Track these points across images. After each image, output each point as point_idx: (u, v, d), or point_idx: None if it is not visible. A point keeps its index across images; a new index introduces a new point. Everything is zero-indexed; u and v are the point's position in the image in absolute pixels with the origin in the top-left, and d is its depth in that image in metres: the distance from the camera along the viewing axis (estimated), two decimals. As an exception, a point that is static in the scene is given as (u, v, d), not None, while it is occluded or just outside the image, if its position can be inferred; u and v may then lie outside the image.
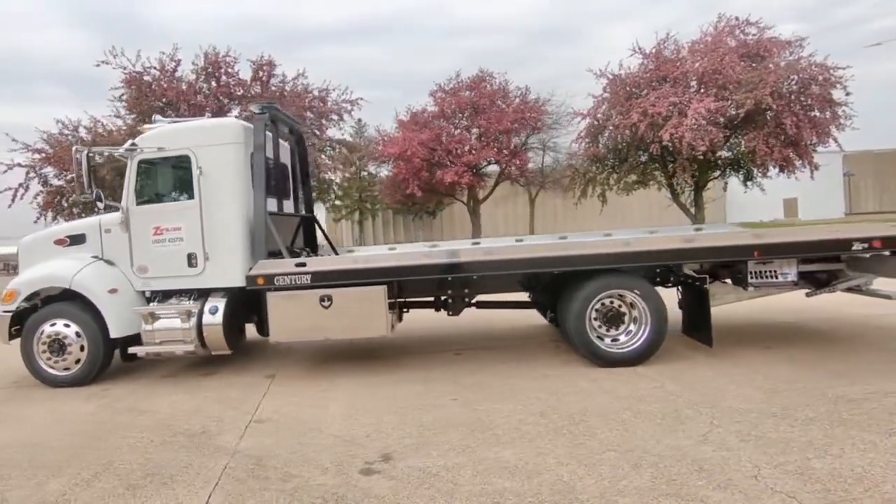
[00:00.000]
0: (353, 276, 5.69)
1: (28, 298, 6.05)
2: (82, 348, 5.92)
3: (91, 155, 5.70)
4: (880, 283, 6.17)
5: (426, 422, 4.47)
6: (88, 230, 6.24)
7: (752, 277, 5.78)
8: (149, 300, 6.12)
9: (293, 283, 5.68)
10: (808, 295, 6.34)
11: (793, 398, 4.55)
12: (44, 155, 16.13)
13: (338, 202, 35.23)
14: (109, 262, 6.14)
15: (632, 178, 24.24)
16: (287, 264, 5.73)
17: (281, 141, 7.08)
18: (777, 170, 22.00)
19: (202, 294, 6.04)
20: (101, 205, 5.71)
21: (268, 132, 6.40)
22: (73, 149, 5.63)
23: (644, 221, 37.37)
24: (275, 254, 6.32)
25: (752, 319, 7.77)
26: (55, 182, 16.52)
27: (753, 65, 20.71)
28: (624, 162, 23.36)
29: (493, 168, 30.43)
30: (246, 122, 6.22)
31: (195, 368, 6.58)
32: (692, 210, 24.70)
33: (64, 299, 6.03)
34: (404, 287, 6.35)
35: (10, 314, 5.97)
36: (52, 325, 5.93)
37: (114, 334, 5.86)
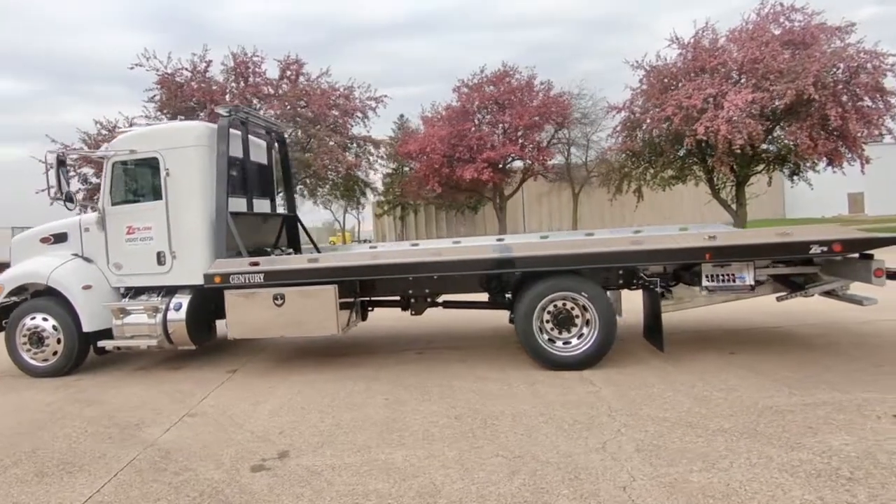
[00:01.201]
0: (303, 276, 5.90)
1: (16, 293, 6.58)
2: (59, 341, 6.42)
3: (63, 157, 6.13)
4: (860, 288, 5.86)
5: (344, 421, 4.62)
6: (70, 229, 6.73)
7: (708, 281, 5.61)
8: (123, 296, 6.54)
9: (247, 281, 5.95)
10: (779, 299, 6.09)
11: (719, 407, 4.43)
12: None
13: (380, 198, 35.93)
14: (88, 260, 6.61)
15: (668, 173, 23.54)
16: (242, 263, 5.99)
17: (258, 141, 7.37)
18: (825, 164, 20.89)
19: (171, 291, 6.40)
20: (71, 206, 6.14)
21: (237, 133, 6.70)
22: (46, 152, 6.10)
23: (685, 218, 36.20)
24: (252, 253, 6.63)
25: (738, 322, 7.52)
26: (94, 180, 17.62)
27: (797, 53, 19.69)
28: (660, 156, 22.69)
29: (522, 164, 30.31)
30: (212, 125, 6.51)
31: (166, 363, 6.99)
32: (733, 206, 23.75)
33: (47, 294, 6.53)
34: (366, 286, 6.53)
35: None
36: (32, 318, 6.45)
37: (86, 328, 6.31)
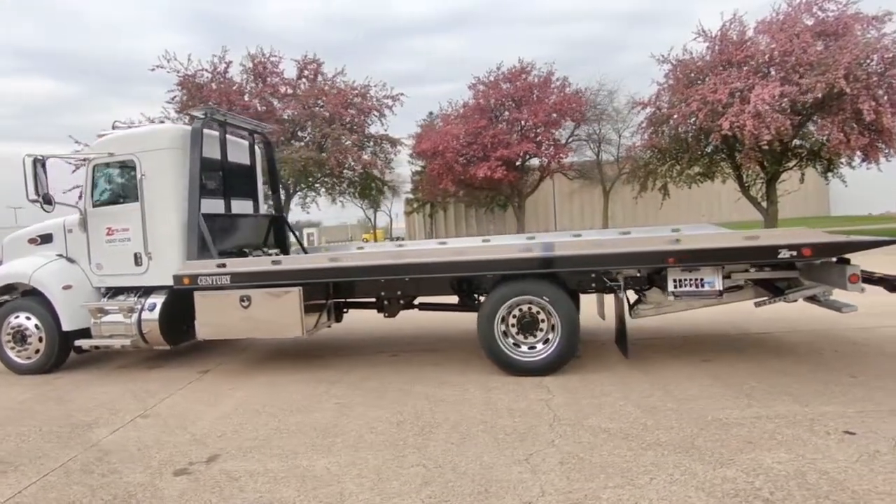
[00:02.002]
0: (267, 278, 5.96)
1: (4, 292, 6.86)
2: (41, 339, 6.67)
3: (42, 160, 6.35)
4: (844, 294, 5.54)
5: (287, 425, 4.64)
6: (55, 230, 6.98)
7: (675, 286, 5.40)
8: (104, 296, 6.74)
9: (214, 283, 6.04)
10: (757, 305, 5.82)
11: (666, 419, 4.26)
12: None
13: (409, 195, 36.04)
14: (71, 260, 6.85)
15: (695, 170, 22.85)
16: (209, 265, 6.09)
17: (240, 142, 7.48)
18: (860, 159, 19.95)
19: (147, 292, 6.56)
20: (49, 208, 6.35)
21: (214, 135, 6.81)
22: (24, 156, 6.32)
23: (722, 216, 35.12)
24: (230, 253, 6.75)
25: (727, 327, 7.23)
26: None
27: (829, 45, 18.84)
28: (686, 152, 22.05)
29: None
30: (187, 127, 6.62)
31: (146, 362, 7.19)
32: (763, 204, 22.94)
33: (31, 294, 6.78)
34: (339, 288, 6.56)
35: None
36: (16, 317, 6.72)
37: (65, 327, 6.53)
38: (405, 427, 4.44)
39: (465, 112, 21.08)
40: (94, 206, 6.75)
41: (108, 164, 6.70)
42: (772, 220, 22.72)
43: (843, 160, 21.01)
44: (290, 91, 18.62)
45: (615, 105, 27.78)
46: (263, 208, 8.23)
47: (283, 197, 19.78)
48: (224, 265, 6.04)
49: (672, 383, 5.13)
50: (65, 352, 6.75)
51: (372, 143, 20.14)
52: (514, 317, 5.68)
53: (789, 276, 5.72)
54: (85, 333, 6.62)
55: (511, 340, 5.69)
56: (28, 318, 6.68)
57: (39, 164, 6.30)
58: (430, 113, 25.74)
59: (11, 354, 6.77)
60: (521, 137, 19.83)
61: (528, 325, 5.65)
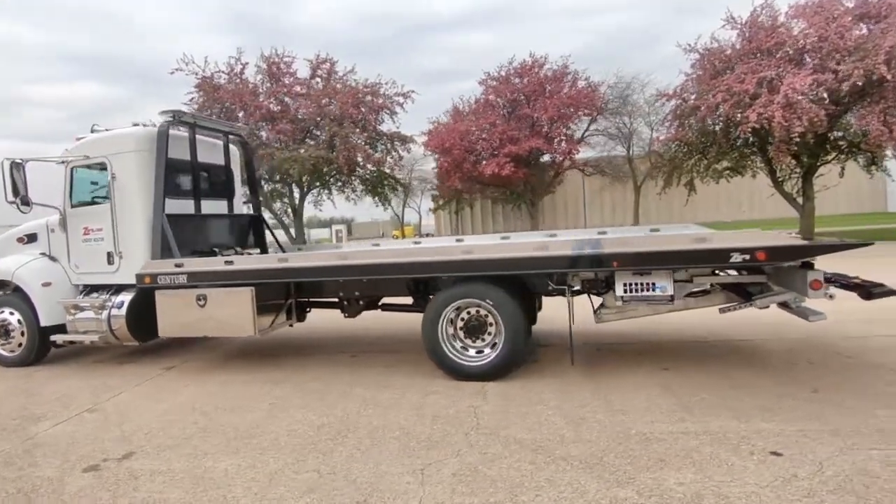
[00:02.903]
0: (220, 278, 6.04)
1: (-4, 288, 7.22)
2: (23, 334, 6.98)
3: (20, 163, 6.62)
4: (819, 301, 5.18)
5: (215, 424, 4.70)
6: (39, 230, 7.28)
7: (623, 290, 5.17)
8: (81, 293, 6.99)
9: (172, 282, 6.17)
10: (721, 311, 5.52)
11: (588, 432, 4.09)
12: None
13: (434, 192, 36.04)
14: (53, 259, 7.13)
15: (723, 165, 21.91)
16: (168, 265, 6.23)
17: (215, 143, 7.61)
18: (907, 151, 18.75)
19: (119, 290, 6.76)
20: (26, 209, 6.62)
21: (184, 136, 6.95)
22: (2, 159, 6.59)
23: (763, 211, 33.66)
24: (202, 253, 6.89)
25: (704, 332, 6.90)
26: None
27: (871, 28, 17.72)
28: (712, 146, 21.19)
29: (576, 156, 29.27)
30: (153, 130, 6.76)
31: (119, 357, 7.43)
32: (799, 200, 21.85)
33: (15, 290, 7.11)
34: (300, 288, 6.62)
35: (-24, 303, 7.18)
36: (1, 312, 7.04)
37: (43, 323, 6.82)
38: (323, 430, 4.42)
39: (475, 108, 20.82)
40: (73, 206, 7.00)
41: (83, 167, 6.92)
42: (808, 217, 21.61)
43: (887, 152, 19.79)
44: (302, 91, 18.75)
45: (647, 97, 27.02)
46: (242, 209, 8.34)
47: (296, 195, 20.19)
48: (181, 265, 6.16)
49: (616, 392, 4.92)
50: (45, 346, 7.04)
51: (385, 141, 20.14)
52: (463, 320, 5.57)
53: (759, 281, 5.42)
54: (62, 329, 6.89)
55: (460, 344, 5.59)
56: (12, 314, 7.01)
57: (17, 167, 6.56)
58: (456, 108, 25.69)
59: (0, 348, 7.12)
60: (532, 133, 19.44)
61: (474, 329, 5.53)
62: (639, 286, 5.13)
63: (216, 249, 7.21)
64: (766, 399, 4.57)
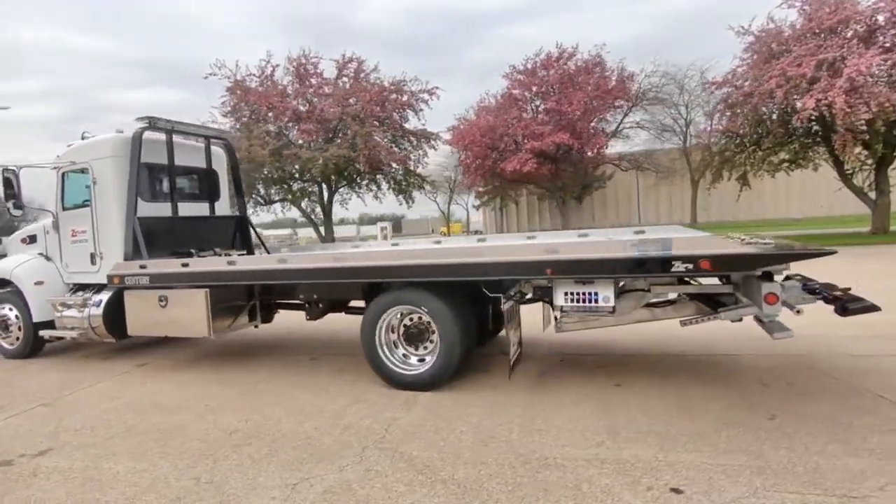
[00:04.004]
0: (177, 279, 6.20)
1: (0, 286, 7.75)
2: (19, 328, 7.45)
3: (14, 170, 7.06)
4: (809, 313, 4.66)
5: (144, 424, 4.81)
6: (38, 232, 7.76)
7: (565, 300, 4.85)
8: (70, 292, 7.39)
9: (137, 283, 6.40)
10: (682, 324, 5.07)
11: (490, 453, 3.87)
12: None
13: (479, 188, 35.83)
14: (48, 258, 7.58)
15: (781, 157, 20.37)
16: (134, 266, 6.45)
17: (197, 147, 7.82)
18: None
19: (101, 289, 7.09)
20: (18, 213, 7.06)
21: (161, 141, 7.18)
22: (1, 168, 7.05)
23: (845, 207, 31.13)
24: (180, 254, 7.12)
25: (689, 346, 6.40)
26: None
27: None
28: (767, 136, 19.77)
29: (618, 150, 28.15)
30: (128, 136, 7.01)
31: (105, 353, 7.79)
32: (871, 194, 20.06)
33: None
34: (265, 290, 6.70)
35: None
36: (2, 308, 7.55)
37: (35, 319, 7.27)
38: (234, 436, 4.42)
39: (500, 103, 20.32)
40: (64, 209, 7.40)
41: (71, 172, 7.30)
42: (882, 213, 19.80)
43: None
44: (328, 91, 18.92)
45: (694, 86, 25.52)
46: (229, 210, 8.51)
47: (325, 194, 20.54)
48: (144, 266, 6.36)
49: (548, 410, 4.64)
50: (38, 340, 7.50)
51: (410, 138, 20.03)
52: (405, 326, 5.44)
53: (725, 292, 4.96)
54: (52, 325, 7.30)
55: (402, 351, 5.47)
56: (10, 310, 7.52)
57: (11, 173, 7.01)
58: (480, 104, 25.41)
59: (1, 341, 7.65)
60: (558, 128, 18.75)
61: (414, 336, 5.38)
62: (580, 296, 4.79)
63: (193, 251, 7.40)
64: (708, 425, 4.15)
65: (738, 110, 20.42)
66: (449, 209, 45.06)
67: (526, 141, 17.95)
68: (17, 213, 7.06)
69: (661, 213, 41.73)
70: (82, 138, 7.57)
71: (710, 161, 21.29)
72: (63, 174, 7.37)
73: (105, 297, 6.91)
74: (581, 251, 4.65)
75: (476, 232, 49.66)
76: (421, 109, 19.16)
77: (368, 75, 18.89)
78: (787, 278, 5.84)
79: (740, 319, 5.00)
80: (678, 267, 4.31)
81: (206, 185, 7.95)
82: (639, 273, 4.57)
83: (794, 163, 20.25)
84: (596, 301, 4.75)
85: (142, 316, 6.48)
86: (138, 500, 3.45)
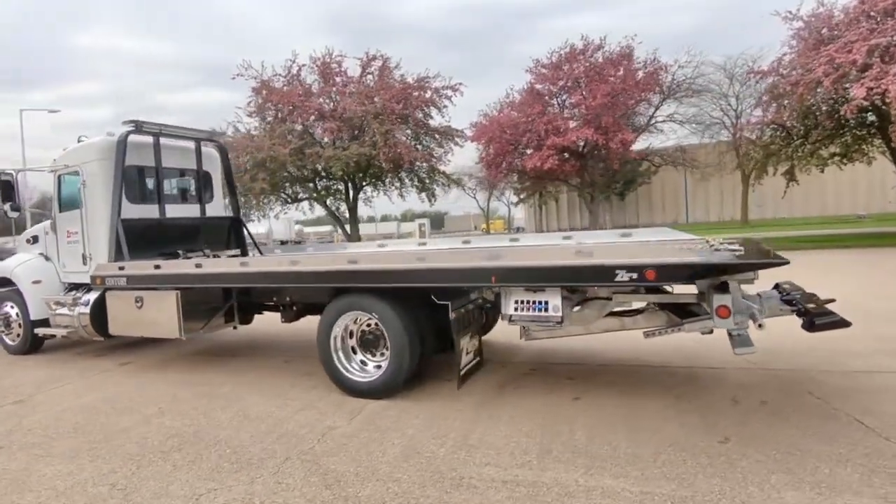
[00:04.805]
0: (150, 281, 6.35)
1: (2, 284, 8.17)
2: (20, 325, 7.84)
3: (12, 174, 7.43)
4: (780, 327, 4.34)
5: (92, 424, 4.95)
6: (40, 232, 8.14)
7: (514, 308, 4.67)
8: (65, 291, 7.71)
9: (116, 284, 6.60)
10: (646, 336, 4.80)
11: (413, 469, 3.76)
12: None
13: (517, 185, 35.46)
14: (47, 258, 7.93)
15: (831, 150, 19.14)
16: (113, 267, 6.66)
17: (188, 149, 7.99)
18: None
19: (90, 288, 7.36)
20: (14, 214, 7.42)
21: (148, 144, 7.38)
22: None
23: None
24: (168, 255, 7.33)
25: (680, 357, 6.05)
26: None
27: None
28: (815, 129, 18.61)
29: (661, 144, 27.19)
30: (114, 139, 7.22)
31: (100, 350, 8.09)
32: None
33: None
34: (243, 292, 6.79)
35: (-10, 296, 8.20)
36: (4, 306, 7.97)
37: (32, 317, 7.63)
38: (169, 441, 4.47)
39: (523, 98, 19.88)
40: (60, 211, 7.72)
41: (65, 175, 7.61)
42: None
43: None
44: (354, 89, 19.01)
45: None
46: (223, 211, 8.67)
47: (350, 193, 20.72)
48: (123, 268, 6.55)
49: (488, 424, 4.48)
50: (38, 337, 7.86)
51: (433, 135, 19.90)
52: (362, 332, 5.38)
53: (692, 302, 4.67)
54: (48, 323, 7.64)
55: (360, 357, 5.42)
56: (11, 307, 7.92)
57: (9, 177, 7.38)
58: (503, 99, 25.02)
59: (4, 337, 8.09)
60: (584, 122, 18.16)
61: (369, 343, 5.32)
62: (529, 304, 4.60)
63: (179, 252, 7.58)
64: (650, 447, 3.90)
65: (786, 101, 19.31)
66: (488, 206, 44.78)
67: (548, 136, 17.53)
68: (14, 214, 7.42)
69: (710, 210, 40.11)
70: (78, 141, 7.87)
71: (753, 155, 20.22)
72: (59, 177, 7.69)
73: (93, 296, 7.17)
74: (524, 258, 4.46)
75: (517, 229, 49.29)
76: (445, 106, 19.11)
77: (392, 72, 18.94)
78: (776, 287, 5.49)
79: (711, 332, 4.70)
80: (622, 276, 4.07)
81: (198, 187, 8.11)
82: (583, 282, 4.35)
83: (846, 156, 18.98)
84: (546, 310, 4.55)
85: (121, 316, 6.68)
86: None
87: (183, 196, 8.07)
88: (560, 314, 4.48)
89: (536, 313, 4.57)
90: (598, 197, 22.68)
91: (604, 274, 4.13)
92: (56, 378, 6.64)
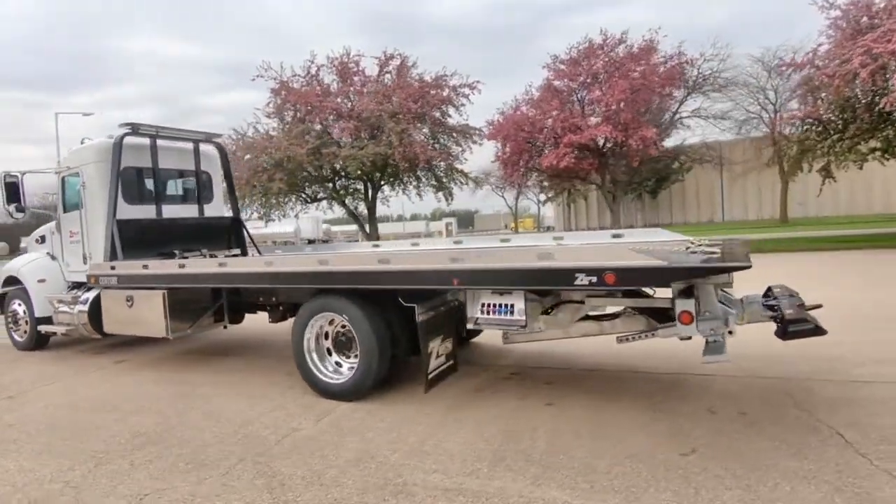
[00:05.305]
0: (139, 281, 6.50)
1: (12, 283, 8.50)
2: (26, 322, 8.15)
3: (17, 175, 7.73)
4: (758, 336, 4.16)
5: (55, 421, 5.13)
6: (47, 232, 8.44)
7: (482, 311, 4.59)
8: (68, 289, 7.98)
9: (108, 283, 6.78)
10: (619, 341, 4.66)
11: (357, 473, 3.72)
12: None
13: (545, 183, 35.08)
14: (53, 258, 8.22)
15: (871, 145, 18.23)
16: (105, 266, 6.84)
17: (186, 151, 8.16)
18: None
19: (90, 287, 7.59)
20: (20, 215, 7.71)
21: (144, 145, 7.56)
22: (3, 172, 7.74)
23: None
24: (165, 255, 7.51)
25: (676, 363, 5.86)
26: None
27: None
28: (853, 123, 17.78)
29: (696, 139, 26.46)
30: (110, 142, 7.41)
31: (100, 347, 8.33)
32: None
33: (25, 285, 8.31)
34: (232, 292, 6.89)
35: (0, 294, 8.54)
36: (12, 303, 8.29)
37: (37, 314, 7.91)
38: (135, 440, 4.55)
39: (541, 95, 19.55)
40: (65, 212, 7.99)
41: (69, 177, 7.86)
42: None
43: None
44: (370, 88, 19.03)
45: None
46: (223, 211, 8.82)
47: (369, 192, 20.82)
48: (114, 267, 6.73)
49: (451, 429, 4.42)
50: (43, 334, 8.15)
51: (454, 134, 19.79)
52: (337, 333, 5.38)
53: (664, 307, 4.51)
54: (51, 321, 7.92)
55: (335, 359, 5.42)
56: (19, 305, 8.24)
57: (15, 178, 7.67)
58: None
59: (14, 334, 8.43)
60: (603, 119, 17.73)
61: (342, 345, 5.32)
62: (493, 307, 4.52)
63: (176, 252, 7.73)
64: (606, 458, 3.77)
65: (823, 94, 18.54)
66: (516, 204, 44.43)
67: (564, 134, 17.22)
68: (19, 216, 7.71)
69: (749, 209, 38.81)
70: (81, 143, 8.13)
71: (787, 151, 19.45)
72: (63, 178, 7.96)
73: (91, 295, 7.39)
74: (486, 261, 4.37)
75: (547, 228, 48.84)
76: (462, 104, 19.01)
77: (409, 71, 18.94)
78: (769, 290, 5.25)
79: (689, 338, 4.53)
80: (581, 280, 3.94)
81: (197, 187, 8.27)
82: (544, 285, 4.24)
83: (888, 151, 18.07)
84: (511, 313, 4.46)
85: (114, 315, 6.87)
86: (1, 501, 3.64)
87: (182, 196, 8.24)
88: (524, 318, 4.38)
89: (500, 316, 4.48)
90: (620, 196, 22.16)
91: (563, 277, 4.01)
92: (52, 375, 6.87)
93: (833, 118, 18.12)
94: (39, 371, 7.12)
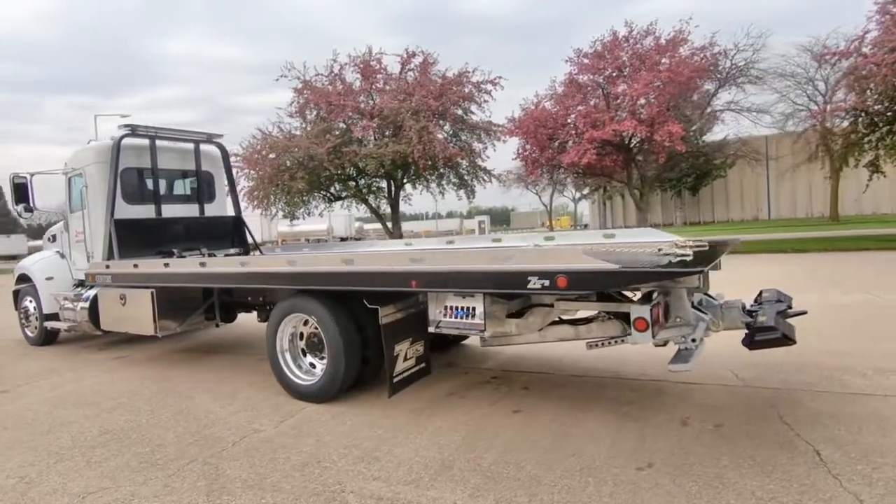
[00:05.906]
0: (131, 280, 6.66)
1: (25, 279, 8.86)
2: (36, 318, 8.48)
3: (25, 177, 8.06)
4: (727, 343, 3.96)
5: (40, 417, 5.26)
6: (58, 232, 8.77)
7: (444, 314, 4.50)
8: (74, 287, 8.27)
9: (104, 281, 6.99)
10: (588, 347, 4.49)
11: (299, 479, 3.70)
12: (238, 158, 19.10)
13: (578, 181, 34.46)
14: (63, 256, 8.53)
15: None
16: (101, 265, 7.05)
17: (187, 151, 8.34)
18: None
19: (93, 285, 7.85)
20: (28, 215, 8.03)
21: (144, 146, 7.76)
22: (11, 174, 8.08)
23: None
24: (164, 254, 7.71)
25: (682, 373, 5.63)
26: (243, 183, 20.18)
27: None
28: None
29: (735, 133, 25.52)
30: (110, 143, 7.63)
31: (103, 343, 8.57)
32: None
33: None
34: (223, 291, 7.00)
35: (14, 290, 8.91)
36: (24, 300, 8.65)
37: (44, 311, 8.22)
38: (103, 437, 4.66)
39: (564, 90, 19.07)
40: (71, 212, 8.29)
41: (74, 178, 8.14)
42: None
43: None
44: (391, 86, 19.00)
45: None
46: (226, 211, 8.97)
47: (393, 190, 20.86)
48: (108, 266, 6.92)
49: (407, 435, 4.34)
50: (51, 331, 8.47)
51: (477, 131, 19.60)
52: (309, 334, 5.38)
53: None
54: (58, 317, 8.22)
55: (309, 360, 5.42)
56: (30, 302, 8.59)
57: (23, 179, 8.00)
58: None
59: (26, 329, 8.79)
60: (629, 114, 17.17)
61: (314, 346, 5.32)
62: (453, 310, 4.42)
63: (175, 251, 7.91)
64: (556, 470, 3.63)
65: (871, 84, 17.55)
66: (551, 202, 43.82)
67: (586, 130, 16.78)
68: (28, 215, 8.04)
69: (798, 206, 37.18)
70: (88, 144, 8.41)
71: (831, 146, 18.49)
72: (69, 179, 8.25)
73: (92, 293, 7.63)
74: (444, 263, 4.28)
75: (584, 226, 48.05)
76: (485, 101, 18.81)
77: (431, 68, 18.87)
78: (760, 294, 5.02)
79: (664, 344, 4.34)
80: (534, 283, 3.80)
81: (198, 187, 8.45)
82: (500, 288, 4.11)
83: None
84: (472, 317, 4.35)
85: (109, 312, 7.07)
86: (-44, 493, 3.77)
87: (184, 196, 8.42)
88: (483, 322, 4.27)
89: (460, 320, 4.38)
90: (647, 193, 21.45)
91: (517, 280, 3.88)
92: (49, 370, 7.13)
93: (881, 109, 17.14)
94: (41, 366, 7.40)
